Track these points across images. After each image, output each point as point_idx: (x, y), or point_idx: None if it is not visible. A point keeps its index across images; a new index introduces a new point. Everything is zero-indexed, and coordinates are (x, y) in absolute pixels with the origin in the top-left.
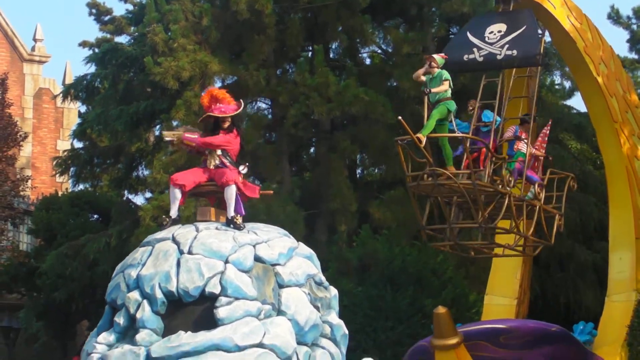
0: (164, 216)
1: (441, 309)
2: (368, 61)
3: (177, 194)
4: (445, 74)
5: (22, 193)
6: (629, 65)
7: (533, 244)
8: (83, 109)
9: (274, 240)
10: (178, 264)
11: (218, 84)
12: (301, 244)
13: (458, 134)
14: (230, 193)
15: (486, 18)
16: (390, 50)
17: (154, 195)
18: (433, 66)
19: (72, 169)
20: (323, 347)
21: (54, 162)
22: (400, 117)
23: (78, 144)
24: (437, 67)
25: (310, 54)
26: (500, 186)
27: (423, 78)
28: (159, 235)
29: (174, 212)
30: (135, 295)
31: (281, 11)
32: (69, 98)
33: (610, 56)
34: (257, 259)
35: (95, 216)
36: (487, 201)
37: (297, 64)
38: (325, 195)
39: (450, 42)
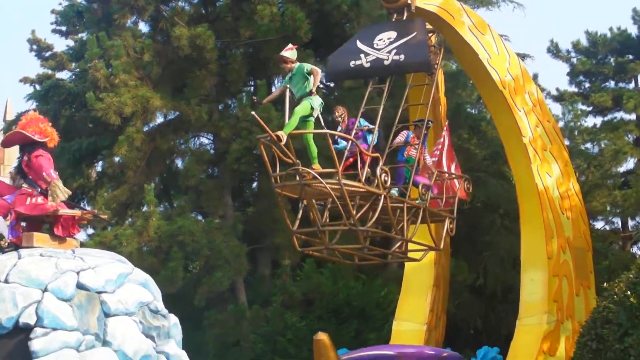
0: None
1: (321, 335)
2: None
3: None
4: (307, 66)
5: None
6: (569, 98)
7: (419, 249)
8: None
9: (102, 267)
10: None
11: (160, 119)
12: (137, 270)
13: (321, 131)
14: None
15: (378, 27)
16: (331, 84)
17: (97, 232)
18: (288, 63)
19: None
20: None
21: None
22: (254, 113)
23: None
24: (292, 62)
25: (252, 88)
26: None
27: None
28: None
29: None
30: None
31: (223, 46)
32: None
33: (518, 68)
34: (80, 286)
35: None
36: (363, 203)
37: (238, 99)
38: (268, 230)
39: (338, 50)
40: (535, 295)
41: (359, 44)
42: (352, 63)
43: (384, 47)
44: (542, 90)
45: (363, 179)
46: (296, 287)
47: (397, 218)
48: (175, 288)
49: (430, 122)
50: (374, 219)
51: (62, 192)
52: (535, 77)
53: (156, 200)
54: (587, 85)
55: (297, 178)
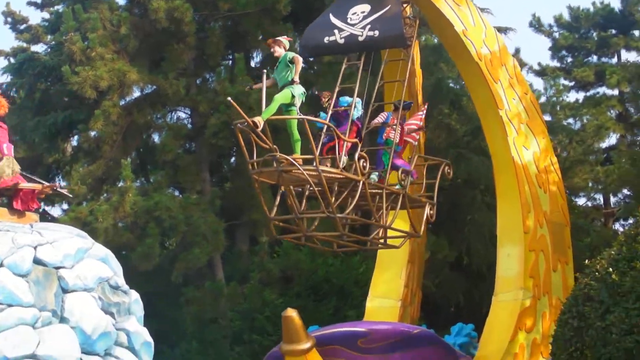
0: None
1: (290, 312)
2: None
3: None
4: (290, 55)
5: None
6: (551, 73)
7: (398, 236)
8: None
9: (60, 241)
10: None
11: (137, 93)
12: (97, 245)
13: (298, 116)
14: None
15: (351, 0)
16: (311, 58)
17: (71, 207)
18: (281, 47)
19: None
20: (117, 357)
21: None
22: (229, 98)
23: None
24: (285, 49)
25: (230, 62)
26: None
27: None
28: None
29: None
30: None
31: (201, 19)
32: None
33: (495, 40)
34: (37, 261)
35: None
36: (342, 190)
37: (217, 73)
38: (246, 206)
39: (311, 24)
40: (511, 271)
41: (333, 19)
42: (326, 39)
43: (358, 22)
44: (524, 65)
45: (341, 165)
46: (274, 264)
47: (377, 204)
48: (152, 264)
49: (410, 104)
50: (352, 206)
51: (7, 168)
52: (517, 51)
53: (133, 175)
54: (569, 60)
55: (275, 164)
